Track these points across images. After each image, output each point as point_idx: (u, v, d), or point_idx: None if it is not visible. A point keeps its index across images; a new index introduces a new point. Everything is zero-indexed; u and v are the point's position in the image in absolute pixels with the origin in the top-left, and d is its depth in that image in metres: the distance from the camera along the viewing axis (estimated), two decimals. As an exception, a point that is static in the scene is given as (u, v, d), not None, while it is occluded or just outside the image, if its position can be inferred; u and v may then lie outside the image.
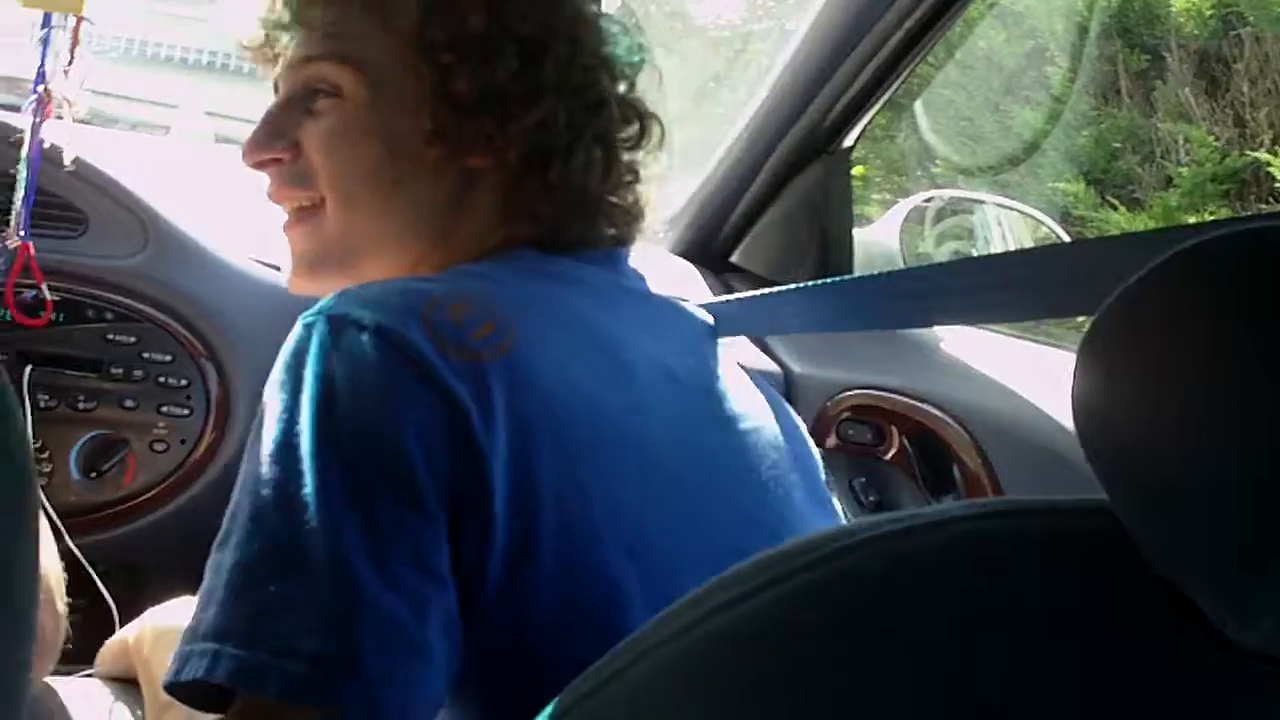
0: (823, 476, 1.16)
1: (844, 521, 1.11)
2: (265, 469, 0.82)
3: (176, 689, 0.81)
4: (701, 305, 1.22)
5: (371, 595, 0.79)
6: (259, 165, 1.12)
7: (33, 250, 1.45)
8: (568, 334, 0.97)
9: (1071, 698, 0.51)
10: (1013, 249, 2.28)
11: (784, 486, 1.06)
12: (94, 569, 1.52)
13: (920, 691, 0.52)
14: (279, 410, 0.84)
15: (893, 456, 2.01)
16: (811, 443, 1.17)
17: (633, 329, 1.03)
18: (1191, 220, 5.88)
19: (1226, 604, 0.48)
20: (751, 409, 1.09)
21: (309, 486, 0.80)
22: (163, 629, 1.15)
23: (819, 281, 1.18)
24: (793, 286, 1.21)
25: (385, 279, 0.99)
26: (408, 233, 1.09)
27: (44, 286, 1.49)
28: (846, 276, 1.22)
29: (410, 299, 0.90)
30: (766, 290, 1.28)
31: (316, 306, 0.89)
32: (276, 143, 1.10)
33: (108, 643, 1.23)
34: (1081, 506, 0.56)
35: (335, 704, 0.77)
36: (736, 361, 1.16)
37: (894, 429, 2.01)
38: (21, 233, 1.44)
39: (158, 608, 1.21)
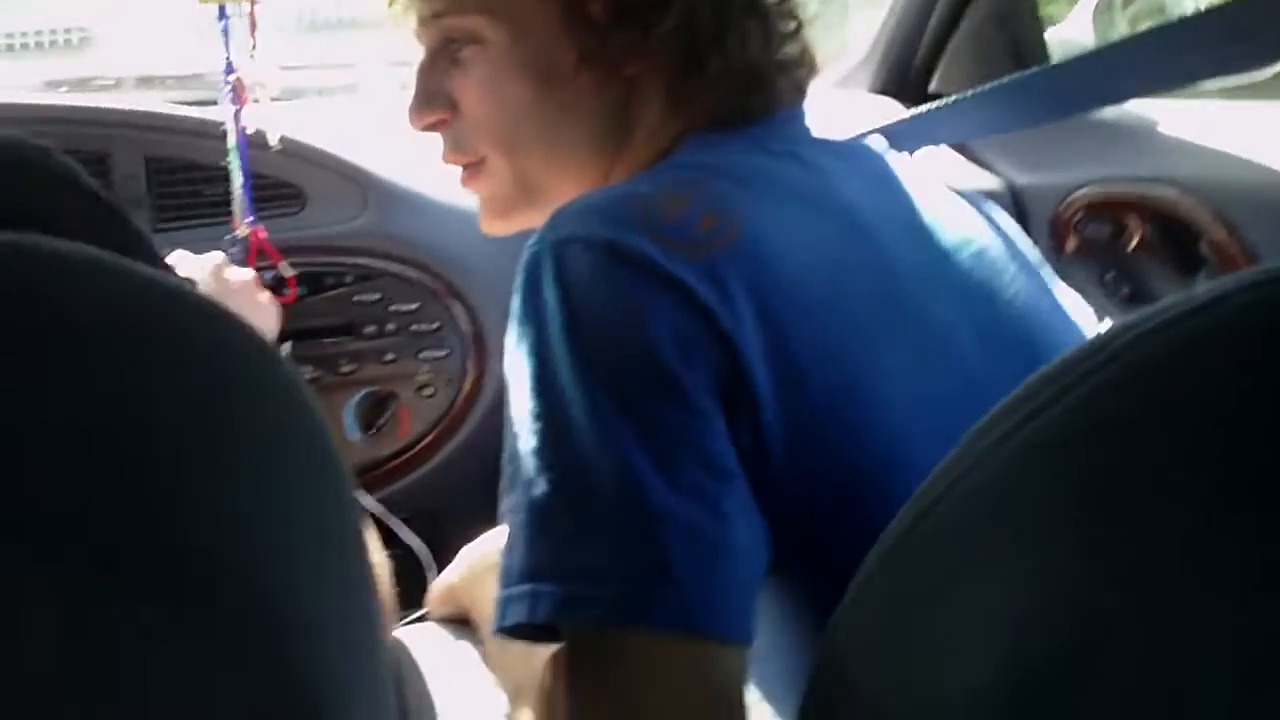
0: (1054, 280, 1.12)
1: (1095, 320, 1.09)
2: (531, 405, 0.82)
3: (505, 634, 0.82)
4: (888, 127, 1.18)
5: (668, 506, 0.78)
6: (427, 129, 1.11)
7: (264, 233, 1.49)
8: (790, 205, 0.94)
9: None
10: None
11: (1032, 301, 1.03)
12: (399, 517, 1.58)
13: (1232, 467, 0.50)
14: (528, 345, 0.84)
15: (1136, 245, 1.94)
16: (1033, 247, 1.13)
17: (845, 183, 1.00)
18: None
19: None
20: (976, 230, 1.06)
21: (579, 413, 0.80)
22: (484, 565, 1.17)
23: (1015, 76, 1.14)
24: (984, 88, 1.17)
25: (592, 190, 0.97)
26: (582, 158, 1.06)
27: (282, 264, 1.53)
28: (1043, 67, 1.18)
29: (626, 205, 0.88)
30: (955, 97, 1.23)
31: (538, 233, 0.88)
32: (433, 104, 1.09)
33: (434, 586, 1.27)
34: None
35: (656, 618, 0.77)
36: (947, 185, 1.12)
37: (1133, 218, 1.94)
38: (250, 219, 1.48)
39: (471, 545, 1.24)
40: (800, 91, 1.08)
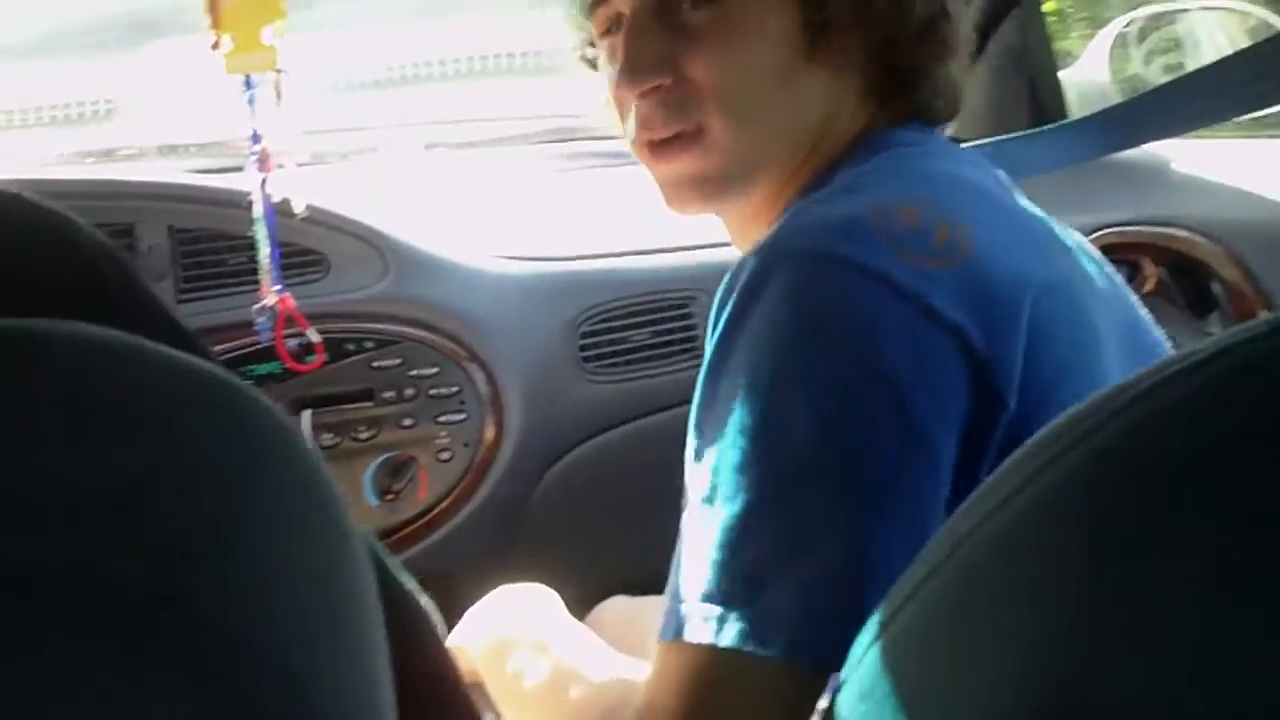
0: None
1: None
2: (744, 418, 0.80)
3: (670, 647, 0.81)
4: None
5: (878, 545, 0.77)
6: (644, 95, 1.04)
7: (292, 301, 1.51)
8: (1003, 221, 0.94)
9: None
10: (1225, 47, 2.20)
11: (1140, 314, 1.05)
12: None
13: (1231, 529, 0.51)
14: (747, 358, 0.82)
15: (1151, 289, 1.96)
16: None
17: (1007, 193, 1.01)
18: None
19: None
20: (1088, 249, 1.07)
21: (800, 433, 0.79)
22: (499, 639, 1.17)
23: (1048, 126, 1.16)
24: (1015, 135, 1.19)
25: (812, 199, 0.94)
26: (796, 141, 1.04)
27: (310, 331, 1.55)
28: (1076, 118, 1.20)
29: (863, 219, 0.85)
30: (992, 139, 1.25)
31: (762, 246, 0.86)
32: (658, 69, 1.02)
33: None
34: None
35: (835, 661, 0.74)
36: None
37: (1147, 260, 1.96)
38: (277, 288, 1.50)
39: (478, 605, 1.24)
40: (943, 101, 1.07)
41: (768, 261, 0.84)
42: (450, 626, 1.28)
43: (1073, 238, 1.04)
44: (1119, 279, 1.07)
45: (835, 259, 0.82)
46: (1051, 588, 0.56)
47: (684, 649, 0.79)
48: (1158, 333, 1.06)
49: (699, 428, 0.85)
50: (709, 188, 1.05)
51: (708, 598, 0.78)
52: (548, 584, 1.25)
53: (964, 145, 1.10)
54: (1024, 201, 1.02)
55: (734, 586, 0.77)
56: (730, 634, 0.76)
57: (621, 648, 1.07)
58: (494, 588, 1.27)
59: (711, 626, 0.77)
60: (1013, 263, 0.88)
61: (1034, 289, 0.86)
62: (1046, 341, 0.85)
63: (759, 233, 0.92)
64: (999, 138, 1.16)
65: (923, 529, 0.77)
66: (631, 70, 1.03)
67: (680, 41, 1.02)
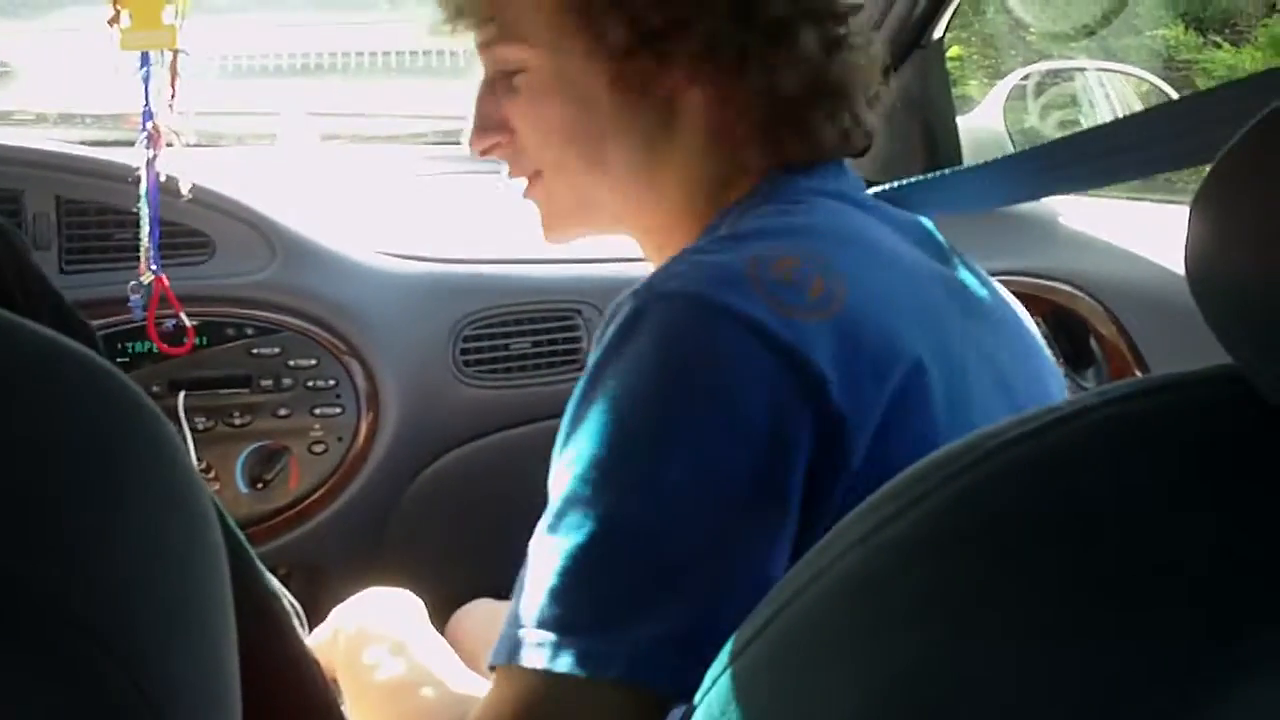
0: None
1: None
2: (599, 452, 0.81)
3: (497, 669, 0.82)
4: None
5: (717, 589, 0.78)
6: (484, 153, 1.13)
7: (167, 281, 1.50)
8: (885, 268, 0.95)
9: (1206, 566, 0.52)
10: (1118, 109, 2.25)
11: (1039, 362, 1.08)
12: (275, 574, 1.58)
13: (1068, 581, 0.53)
14: (611, 394, 0.83)
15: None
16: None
17: (903, 243, 1.02)
18: (1302, 47, 5.71)
19: None
20: (996, 294, 1.09)
21: (648, 469, 0.80)
22: (358, 631, 1.18)
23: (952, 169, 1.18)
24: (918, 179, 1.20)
25: (693, 247, 0.97)
26: (633, 175, 1.08)
27: (182, 314, 1.53)
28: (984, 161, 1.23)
29: (740, 266, 0.87)
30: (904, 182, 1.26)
31: (643, 285, 0.88)
32: (490, 130, 1.11)
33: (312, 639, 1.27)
34: (1205, 375, 0.56)
35: (662, 683, 0.77)
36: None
37: (1029, 313, 2.00)
38: (153, 266, 1.49)
39: (344, 604, 1.24)
40: (846, 140, 1.07)
41: (643, 300, 0.86)
42: (318, 619, 1.27)
43: (985, 289, 1.07)
44: (1032, 333, 1.11)
45: (707, 304, 0.84)
46: (904, 627, 0.57)
47: (518, 674, 0.80)
48: (1058, 386, 1.09)
49: (559, 453, 0.86)
50: (559, 222, 1.14)
51: (542, 624, 0.79)
52: (414, 583, 1.26)
53: (870, 189, 1.11)
54: (924, 251, 1.03)
55: (569, 615, 0.79)
56: (565, 661, 0.77)
57: (482, 650, 1.07)
58: (362, 583, 1.27)
59: (546, 652, 0.78)
60: (889, 323, 0.89)
61: (906, 361, 0.88)
62: (908, 414, 0.87)
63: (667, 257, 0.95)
64: (902, 181, 1.18)
65: (764, 575, 0.80)
66: (472, 132, 1.12)
67: (508, 102, 1.09)
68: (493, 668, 0.83)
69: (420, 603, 1.23)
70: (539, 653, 0.78)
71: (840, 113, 1.06)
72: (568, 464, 0.84)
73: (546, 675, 0.78)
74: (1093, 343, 1.98)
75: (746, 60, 1.02)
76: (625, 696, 0.78)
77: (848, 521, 0.63)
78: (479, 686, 1.02)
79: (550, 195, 1.12)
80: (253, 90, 2.63)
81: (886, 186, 1.19)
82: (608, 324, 0.88)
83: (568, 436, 0.86)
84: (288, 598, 0.91)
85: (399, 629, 1.14)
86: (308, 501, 1.68)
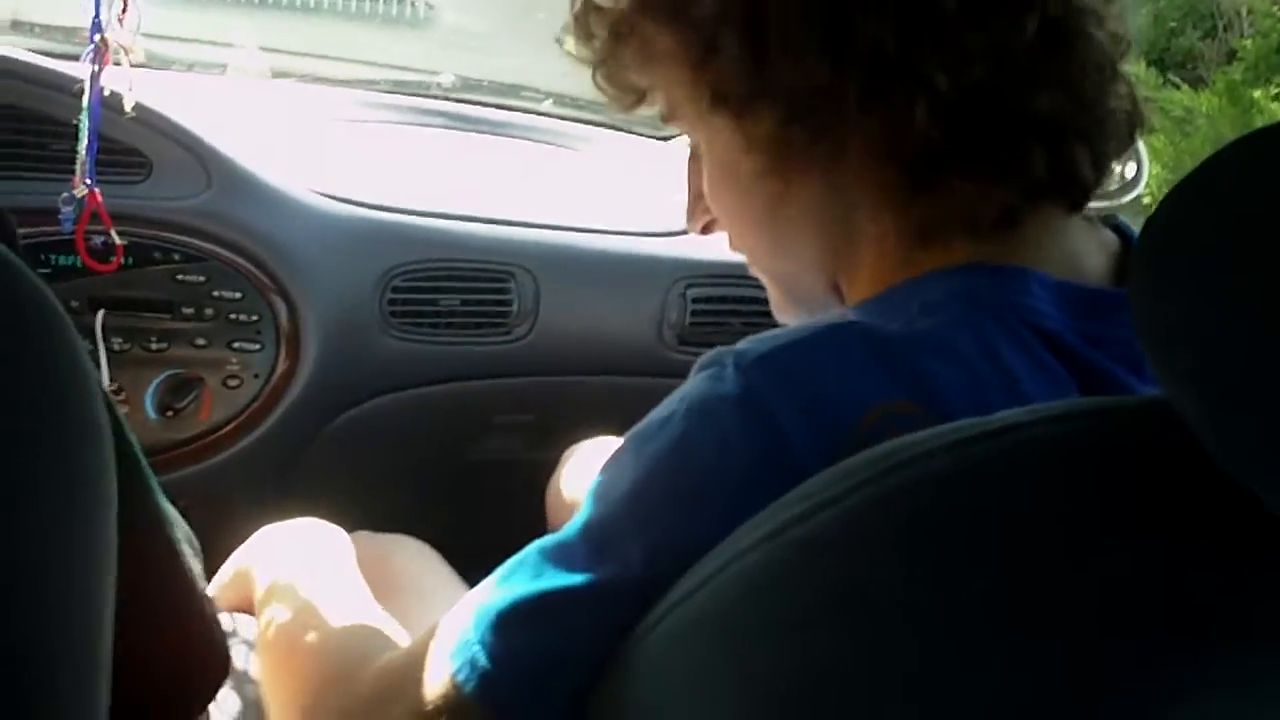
0: None
1: None
2: (599, 507, 0.78)
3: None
4: None
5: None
6: (703, 232, 1.04)
7: (100, 197, 1.48)
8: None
9: (1120, 593, 0.52)
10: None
11: None
12: (175, 505, 1.56)
13: (979, 596, 0.54)
14: (643, 456, 0.78)
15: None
16: None
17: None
18: (1257, 95, 5.79)
19: None
20: None
21: (612, 532, 0.77)
22: (237, 572, 1.19)
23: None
24: None
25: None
26: (817, 262, 0.96)
27: (113, 231, 1.52)
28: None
29: (849, 391, 0.74)
30: None
31: (733, 349, 0.79)
32: (695, 204, 1.02)
33: (222, 571, 1.26)
34: (1138, 403, 0.57)
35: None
36: None
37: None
38: (88, 180, 1.47)
39: (268, 529, 1.25)
40: (1046, 223, 0.88)
41: (707, 361, 0.80)
42: (224, 552, 1.28)
43: None
44: None
45: (745, 386, 0.76)
46: (804, 625, 0.58)
47: (445, 655, 0.79)
48: None
49: None
50: (779, 303, 1.03)
51: (488, 631, 0.78)
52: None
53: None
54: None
55: (486, 627, 0.78)
56: (465, 671, 0.77)
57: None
58: (264, 522, 1.28)
59: (459, 655, 0.78)
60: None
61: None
62: None
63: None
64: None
65: None
66: (686, 218, 1.05)
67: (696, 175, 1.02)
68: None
69: (339, 529, 1.24)
70: (459, 652, 0.78)
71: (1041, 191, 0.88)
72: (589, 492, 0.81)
73: (453, 677, 0.78)
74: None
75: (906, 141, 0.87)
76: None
77: (758, 518, 0.63)
78: (380, 620, 1.02)
79: (760, 274, 1.03)
80: (208, 19, 2.60)
81: None
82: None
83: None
84: (184, 528, 0.90)
85: (295, 565, 1.14)
86: (216, 435, 1.67)
